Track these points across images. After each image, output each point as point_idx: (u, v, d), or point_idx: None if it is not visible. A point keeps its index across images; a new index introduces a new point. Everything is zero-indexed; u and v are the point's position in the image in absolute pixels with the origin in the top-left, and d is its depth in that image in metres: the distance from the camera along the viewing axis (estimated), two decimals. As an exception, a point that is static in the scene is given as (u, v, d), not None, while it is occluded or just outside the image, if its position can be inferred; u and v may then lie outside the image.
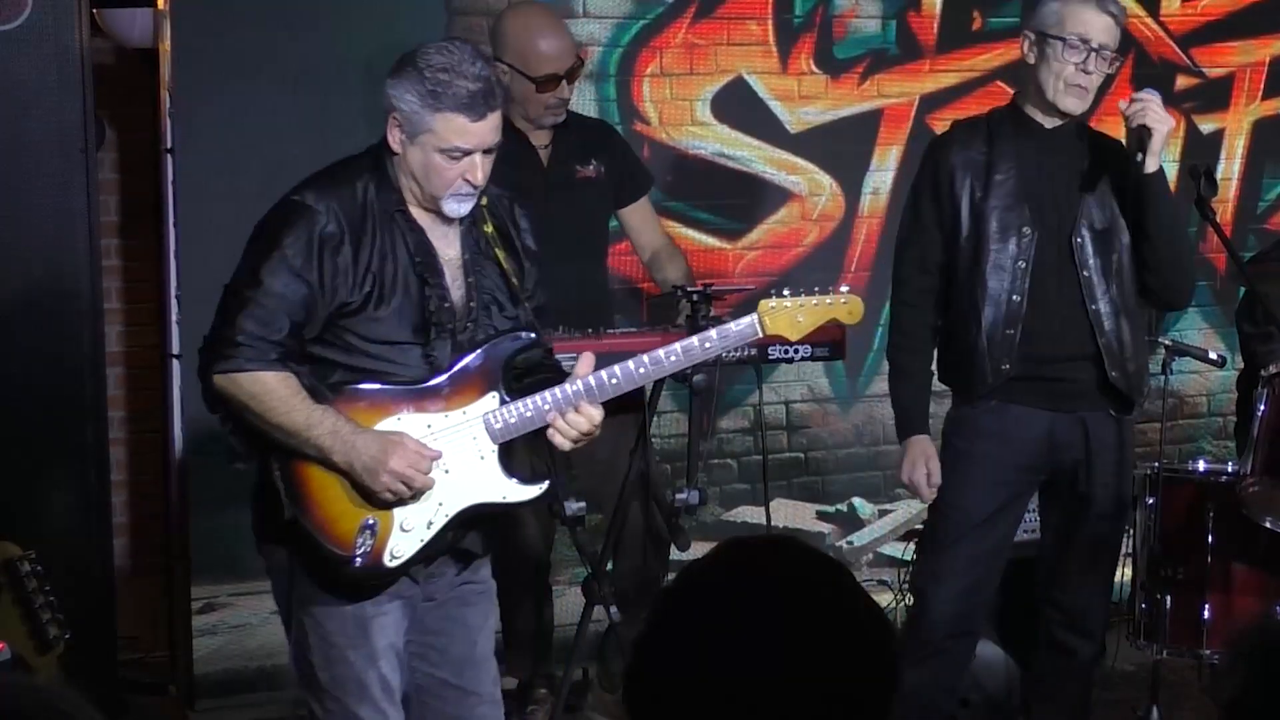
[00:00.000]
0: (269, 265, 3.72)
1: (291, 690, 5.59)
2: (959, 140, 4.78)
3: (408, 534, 3.81)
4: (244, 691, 5.64)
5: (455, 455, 3.82)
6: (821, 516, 6.52)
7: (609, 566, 5.12)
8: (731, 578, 2.04)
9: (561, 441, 3.88)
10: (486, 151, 3.79)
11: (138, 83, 6.00)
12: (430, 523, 3.82)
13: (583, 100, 5.90)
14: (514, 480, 3.89)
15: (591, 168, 5.27)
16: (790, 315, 4.02)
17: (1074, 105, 4.66)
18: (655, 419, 5.48)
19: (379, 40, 5.57)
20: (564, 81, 5.17)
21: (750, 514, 6.28)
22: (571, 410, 3.85)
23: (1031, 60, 4.68)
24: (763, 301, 4.02)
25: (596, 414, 3.87)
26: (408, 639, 3.95)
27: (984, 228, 4.67)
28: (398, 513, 3.80)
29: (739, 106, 6.28)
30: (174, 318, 5.58)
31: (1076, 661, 4.90)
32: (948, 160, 4.74)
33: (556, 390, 3.86)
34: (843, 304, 4.08)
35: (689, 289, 4.90)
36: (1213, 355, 5.63)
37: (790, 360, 5.22)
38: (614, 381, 3.90)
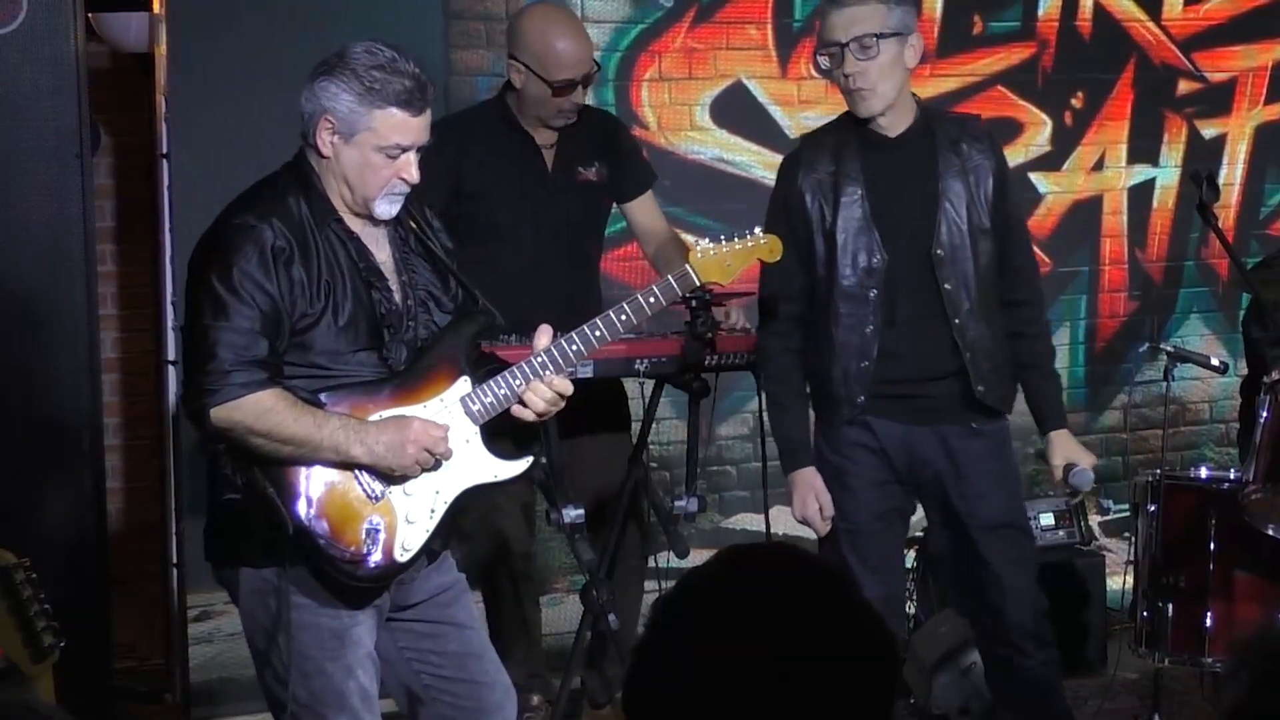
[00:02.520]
0: (230, 289, 3.69)
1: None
2: (805, 161, 4.65)
3: (413, 525, 3.84)
4: (240, 699, 5.61)
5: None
6: (821, 523, 6.48)
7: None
8: (731, 585, 2.03)
9: (525, 413, 3.93)
10: (419, 149, 3.83)
11: (133, 87, 6.00)
12: (432, 511, 3.87)
13: (581, 105, 5.88)
14: (501, 458, 3.95)
15: (593, 171, 5.25)
16: (719, 261, 4.23)
17: (865, 106, 4.53)
18: (654, 425, 5.45)
19: (376, 45, 5.56)
20: (580, 87, 5.13)
21: (750, 521, 6.26)
22: (539, 382, 3.91)
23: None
24: (690, 253, 4.25)
25: (565, 385, 3.95)
26: (402, 647, 3.99)
27: (834, 253, 4.56)
28: (400, 506, 3.83)
29: (738, 111, 6.26)
30: (170, 324, 5.55)
31: (1025, 673, 4.71)
32: (795, 182, 4.63)
33: (523, 364, 3.92)
34: (763, 244, 4.31)
35: (689, 295, 4.88)
36: (1215, 361, 5.61)
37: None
38: (574, 348, 3.98)
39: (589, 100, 5.85)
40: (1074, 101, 6.71)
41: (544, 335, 3.96)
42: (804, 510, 4.68)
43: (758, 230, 4.33)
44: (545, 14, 5.27)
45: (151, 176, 5.73)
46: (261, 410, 3.69)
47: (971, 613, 4.85)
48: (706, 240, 4.27)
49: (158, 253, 5.71)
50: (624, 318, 4.07)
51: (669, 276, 4.19)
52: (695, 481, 5.07)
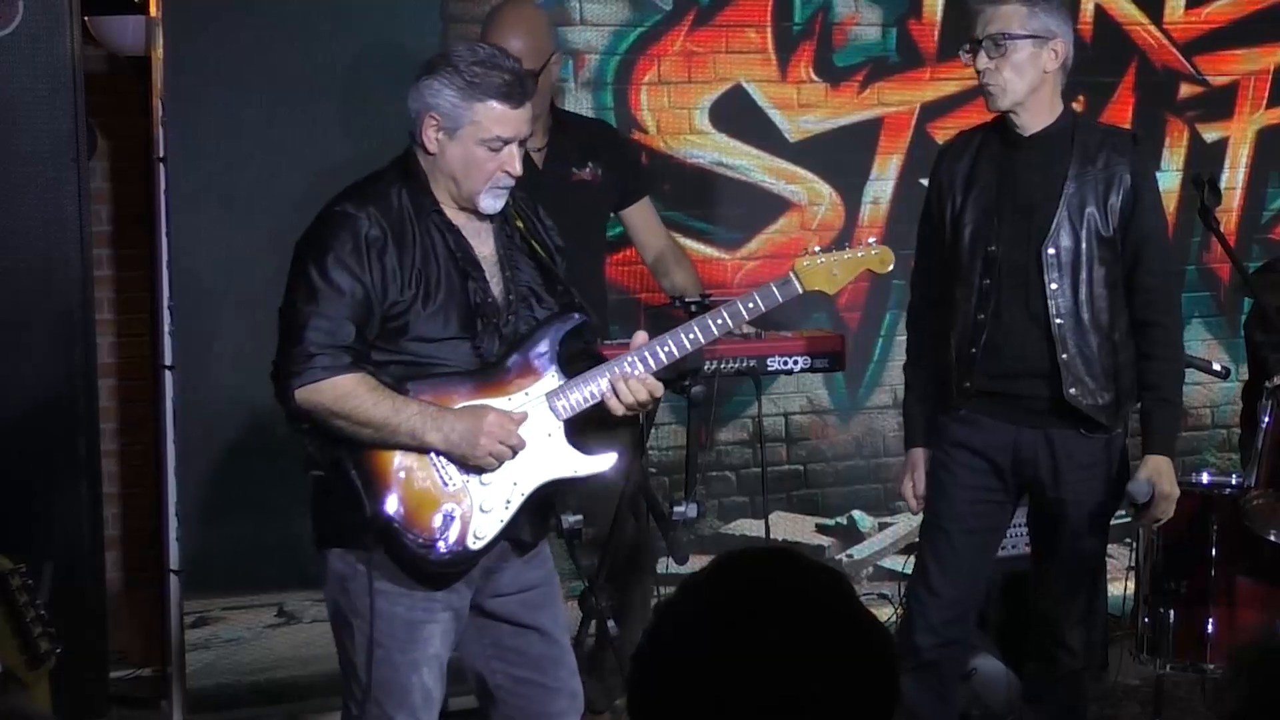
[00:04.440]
0: (323, 274, 3.82)
1: (285, 705, 5.57)
2: (951, 152, 4.82)
3: (488, 514, 3.92)
4: (237, 706, 5.60)
5: (524, 435, 3.93)
6: (821, 529, 6.48)
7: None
8: (731, 590, 2.03)
9: (616, 405, 3.99)
10: (521, 143, 3.93)
11: (129, 91, 5.97)
12: (508, 502, 3.94)
13: (579, 108, 5.86)
14: (583, 454, 4.02)
15: (588, 170, 5.22)
16: (826, 270, 4.21)
17: (992, 102, 4.64)
18: (653, 431, 5.43)
19: (374, 48, 5.55)
20: None
21: (749, 527, 6.24)
22: (626, 381, 3.98)
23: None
24: (797, 260, 4.21)
25: (657, 386, 4.02)
26: (486, 644, 4.08)
27: (959, 242, 4.69)
28: (476, 495, 3.92)
29: (737, 115, 6.24)
30: (166, 328, 5.53)
31: (1059, 669, 4.86)
32: (938, 173, 4.80)
33: (614, 365, 4.00)
34: (874, 254, 4.30)
35: (688, 299, 4.87)
36: (1216, 366, 5.59)
37: (790, 371, 5.18)
38: (666, 350, 4.04)
39: (587, 112, 5.85)
40: (1075, 105, 6.67)
41: (639, 338, 4.05)
42: (901, 485, 4.89)
43: (871, 240, 4.33)
44: (504, 6, 5.26)
45: (148, 180, 5.70)
46: (342, 393, 3.80)
47: (1036, 609, 4.92)
48: (816, 246, 4.27)
49: (154, 256, 5.67)
50: (719, 322, 4.10)
51: (770, 283, 4.19)
52: (694, 487, 5.06)
